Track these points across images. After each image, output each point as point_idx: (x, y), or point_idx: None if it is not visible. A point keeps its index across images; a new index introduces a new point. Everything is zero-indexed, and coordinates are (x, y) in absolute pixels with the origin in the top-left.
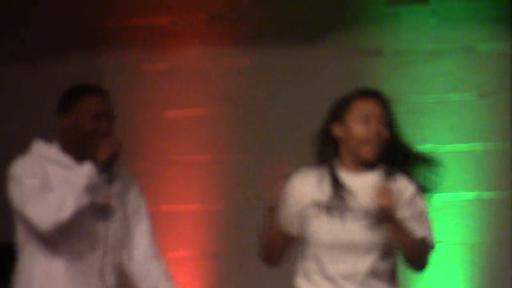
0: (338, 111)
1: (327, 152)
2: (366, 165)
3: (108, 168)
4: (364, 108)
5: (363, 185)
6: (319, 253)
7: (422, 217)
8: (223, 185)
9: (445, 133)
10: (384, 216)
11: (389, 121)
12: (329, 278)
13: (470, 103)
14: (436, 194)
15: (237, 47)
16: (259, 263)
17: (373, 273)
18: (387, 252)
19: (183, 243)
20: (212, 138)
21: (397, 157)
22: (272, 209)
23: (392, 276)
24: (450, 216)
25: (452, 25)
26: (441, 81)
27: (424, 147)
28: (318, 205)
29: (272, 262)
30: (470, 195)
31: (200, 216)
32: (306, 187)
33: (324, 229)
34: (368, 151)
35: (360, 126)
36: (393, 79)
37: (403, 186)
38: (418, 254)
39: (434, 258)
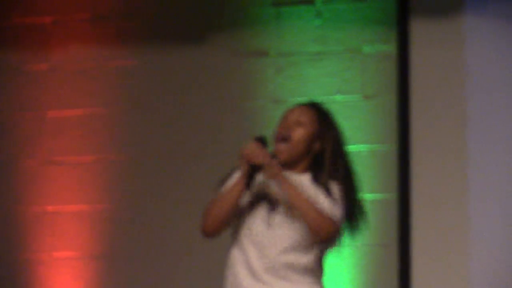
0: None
1: None
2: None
3: None
4: (286, 114)
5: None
6: (245, 244)
7: (334, 199)
8: (107, 186)
9: None
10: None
11: (316, 128)
12: (252, 271)
13: (355, 105)
14: None
15: (122, 48)
16: (142, 264)
17: (293, 267)
18: (307, 247)
19: (67, 243)
20: (96, 139)
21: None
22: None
23: (312, 270)
24: None
25: (337, 26)
26: (326, 83)
27: None
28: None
29: (212, 227)
30: None
31: (83, 216)
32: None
33: (251, 220)
34: (278, 148)
35: (277, 128)
36: (278, 81)
37: (330, 187)
38: (315, 221)
39: None
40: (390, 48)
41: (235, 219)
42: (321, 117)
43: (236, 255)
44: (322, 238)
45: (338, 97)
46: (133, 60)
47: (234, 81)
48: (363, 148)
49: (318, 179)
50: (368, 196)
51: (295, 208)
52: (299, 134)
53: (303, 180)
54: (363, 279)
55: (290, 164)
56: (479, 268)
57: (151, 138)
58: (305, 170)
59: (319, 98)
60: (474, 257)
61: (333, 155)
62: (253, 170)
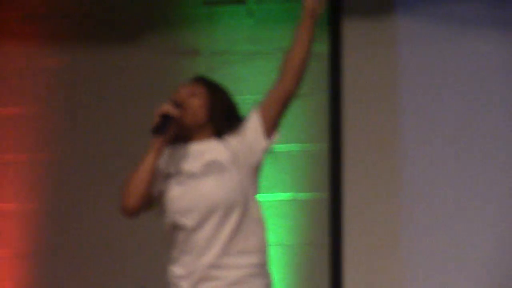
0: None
1: None
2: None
3: None
4: (179, 90)
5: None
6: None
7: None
8: (38, 185)
9: None
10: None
11: (208, 96)
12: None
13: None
14: None
15: (53, 47)
16: (72, 263)
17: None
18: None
19: None
20: (27, 138)
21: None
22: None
23: None
24: (266, 217)
25: (269, 26)
26: (258, 82)
27: None
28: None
29: (132, 204)
30: (286, 196)
31: (15, 215)
32: None
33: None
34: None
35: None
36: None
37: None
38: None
39: None
40: (322, 47)
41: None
42: (211, 87)
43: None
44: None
45: None
46: (65, 59)
47: (166, 80)
48: (295, 147)
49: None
50: (299, 195)
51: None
52: (194, 103)
53: (212, 144)
54: (294, 279)
55: (193, 133)
56: (411, 267)
57: (82, 138)
58: (210, 136)
59: (250, 97)
60: (405, 257)
61: (228, 115)
62: (166, 119)
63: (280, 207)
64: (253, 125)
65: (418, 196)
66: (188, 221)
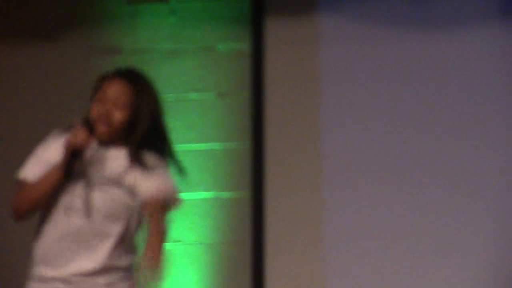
0: (94, 90)
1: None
2: (103, 142)
3: None
4: (106, 89)
5: (110, 158)
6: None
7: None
8: None
9: (184, 132)
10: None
11: (133, 104)
12: None
13: (209, 103)
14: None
15: None
16: None
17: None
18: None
19: None
20: None
21: (148, 140)
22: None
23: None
24: (188, 216)
25: (192, 24)
26: (180, 80)
27: None
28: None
29: (25, 213)
30: (208, 194)
31: None
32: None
33: None
34: (99, 130)
35: (95, 105)
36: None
37: (150, 163)
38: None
39: (171, 258)
40: (244, 46)
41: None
42: (139, 93)
43: None
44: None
45: (192, 95)
46: None
47: (88, 79)
48: (217, 146)
49: (137, 155)
50: (221, 194)
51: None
52: (118, 118)
53: (121, 156)
54: (215, 278)
55: (109, 141)
56: (333, 265)
57: (3, 136)
58: (121, 143)
59: (172, 95)
60: (327, 255)
61: (153, 129)
62: (74, 156)
63: (201, 205)
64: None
65: (340, 194)
66: None
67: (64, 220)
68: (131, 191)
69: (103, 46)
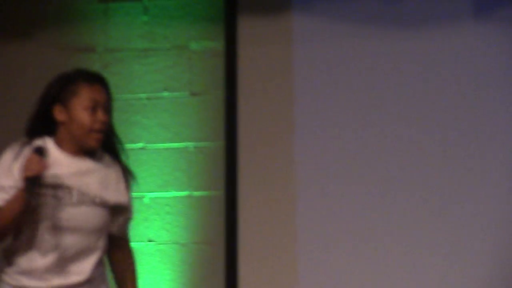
0: (62, 94)
1: (42, 131)
2: (87, 152)
3: None
4: (91, 96)
5: (79, 168)
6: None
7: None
8: None
9: (157, 132)
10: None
11: (110, 107)
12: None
13: (182, 102)
14: (148, 192)
15: None
16: None
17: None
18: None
19: None
20: None
21: (111, 142)
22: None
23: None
24: (161, 215)
25: (165, 23)
26: (154, 79)
27: (136, 145)
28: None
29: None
30: (182, 193)
31: None
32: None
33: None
34: (93, 140)
35: (86, 114)
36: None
37: (114, 170)
38: None
39: (145, 257)
40: (218, 45)
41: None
42: (109, 91)
43: None
44: None
45: (165, 94)
46: None
47: None
48: (190, 145)
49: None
50: (195, 193)
51: None
52: (107, 122)
53: (100, 169)
54: (189, 278)
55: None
56: (306, 266)
57: None
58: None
59: (146, 94)
60: (301, 255)
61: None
62: (32, 182)
63: (175, 204)
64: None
65: (313, 193)
66: None
67: (51, 237)
68: (112, 207)
69: (75, 45)
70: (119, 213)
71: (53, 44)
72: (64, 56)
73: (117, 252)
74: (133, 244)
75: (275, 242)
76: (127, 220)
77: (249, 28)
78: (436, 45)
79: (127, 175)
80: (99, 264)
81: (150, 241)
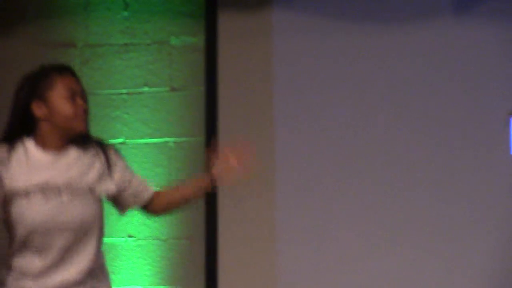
0: (37, 90)
1: (20, 133)
2: (72, 139)
3: None
4: (67, 85)
5: (66, 163)
6: None
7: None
8: None
9: (138, 127)
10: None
11: (85, 96)
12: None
13: (163, 97)
14: None
15: None
16: None
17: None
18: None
19: None
20: None
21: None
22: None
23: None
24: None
25: (145, 18)
26: (134, 75)
27: (117, 140)
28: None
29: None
30: None
31: None
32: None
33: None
34: (80, 124)
35: (67, 103)
36: (85, 72)
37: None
38: None
39: (125, 253)
40: (198, 40)
41: None
42: (83, 87)
43: None
44: None
45: (146, 89)
46: None
47: None
48: (171, 141)
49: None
50: None
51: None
52: (87, 109)
53: (84, 157)
54: (169, 273)
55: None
56: (286, 260)
57: None
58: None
59: (126, 90)
60: (281, 250)
61: None
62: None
63: None
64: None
65: (294, 189)
66: None
67: (49, 236)
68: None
69: (56, 40)
70: (123, 189)
71: (34, 40)
72: (44, 52)
73: (157, 200)
74: (113, 240)
75: (254, 237)
76: (136, 187)
77: (229, 24)
78: (417, 40)
79: (110, 149)
80: (98, 253)
81: (130, 236)
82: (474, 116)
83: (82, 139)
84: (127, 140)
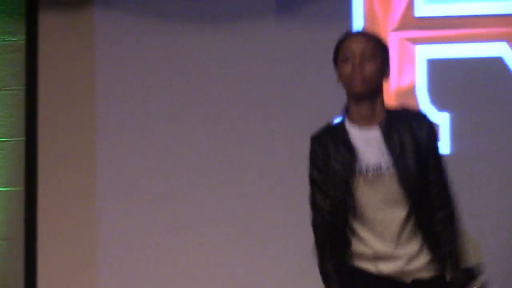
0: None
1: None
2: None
3: None
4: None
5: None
6: None
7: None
8: None
9: None
10: None
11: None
12: None
13: None
14: None
15: None
16: None
17: None
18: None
19: None
20: None
21: None
22: None
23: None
24: None
25: None
26: None
27: None
28: None
29: None
30: None
31: None
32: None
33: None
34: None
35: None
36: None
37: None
38: None
39: None
40: (19, 40)
41: None
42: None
43: None
44: None
45: None
46: None
47: None
48: None
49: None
50: None
51: None
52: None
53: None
54: None
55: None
56: (107, 263)
57: None
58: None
59: None
60: (102, 253)
61: None
62: None
63: None
64: None
65: (115, 191)
66: None
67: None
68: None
69: None
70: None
71: None
72: None
73: None
74: None
75: (75, 238)
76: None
77: (50, 23)
78: (236, 40)
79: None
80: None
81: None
82: (293, 116)
83: None
84: None
